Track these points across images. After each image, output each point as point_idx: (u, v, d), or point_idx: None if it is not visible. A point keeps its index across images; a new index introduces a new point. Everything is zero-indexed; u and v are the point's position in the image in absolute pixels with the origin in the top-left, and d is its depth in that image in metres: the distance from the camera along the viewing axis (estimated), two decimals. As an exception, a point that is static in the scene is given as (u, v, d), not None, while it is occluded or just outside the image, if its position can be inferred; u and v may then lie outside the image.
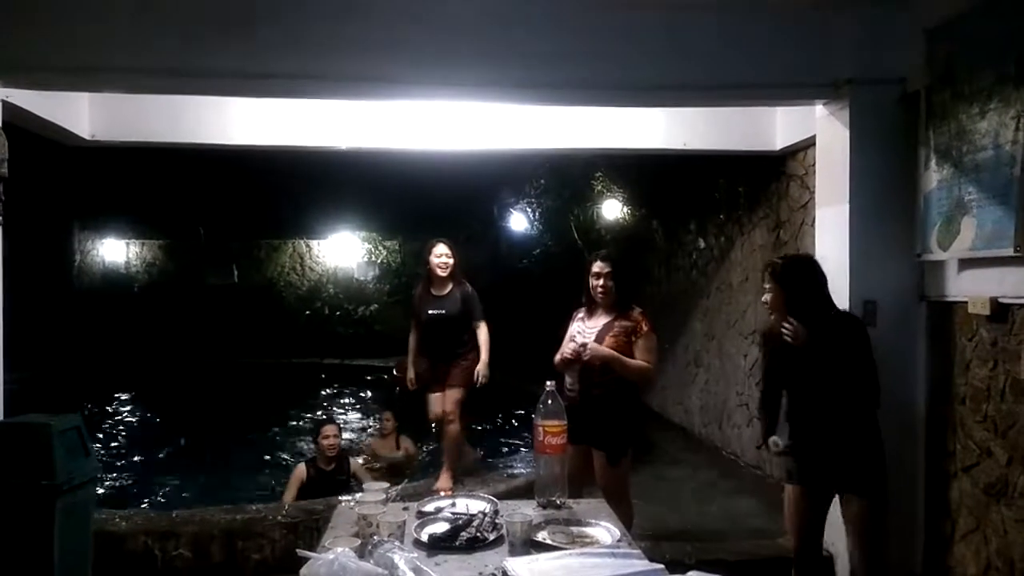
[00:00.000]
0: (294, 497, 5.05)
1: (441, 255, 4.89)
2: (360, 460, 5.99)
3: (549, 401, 2.58)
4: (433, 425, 5.07)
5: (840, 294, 3.43)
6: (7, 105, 3.80)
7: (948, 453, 3.59)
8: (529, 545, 2.13)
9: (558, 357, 3.83)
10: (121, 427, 9.32)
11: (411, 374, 5.03)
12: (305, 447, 7.11)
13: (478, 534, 2.18)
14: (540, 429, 2.56)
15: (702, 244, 7.32)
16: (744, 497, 5.54)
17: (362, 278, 14.62)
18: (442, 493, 4.14)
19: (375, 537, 2.01)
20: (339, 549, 1.81)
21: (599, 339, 3.73)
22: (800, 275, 3.13)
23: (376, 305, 14.40)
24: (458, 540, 2.17)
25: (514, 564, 1.93)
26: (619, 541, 2.19)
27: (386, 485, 2.66)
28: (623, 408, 3.74)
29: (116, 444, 8.39)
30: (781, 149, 5.12)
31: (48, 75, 3.68)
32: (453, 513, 2.41)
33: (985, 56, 3.20)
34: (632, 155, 5.90)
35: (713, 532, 4.75)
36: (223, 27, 3.59)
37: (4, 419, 3.66)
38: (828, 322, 3.06)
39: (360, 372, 11.94)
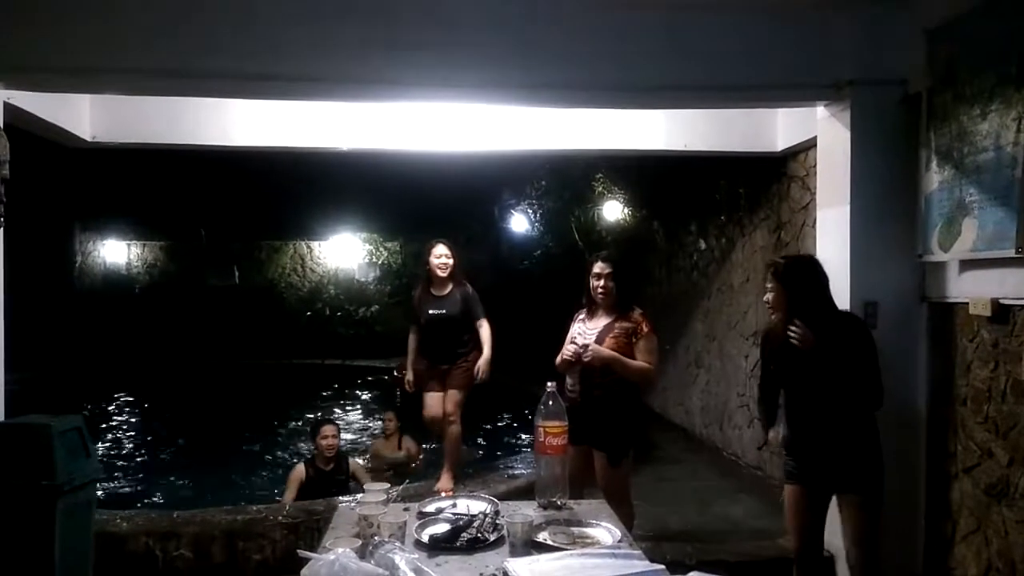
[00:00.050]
0: (294, 497, 5.06)
1: (441, 256, 4.89)
2: (359, 460, 6.01)
3: (550, 402, 2.58)
4: (428, 424, 5.04)
5: (841, 295, 3.43)
6: (8, 107, 3.80)
7: (949, 454, 3.59)
8: (530, 546, 2.12)
9: (559, 359, 3.83)
10: (122, 428, 9.33)
11: (409, 375, 5.02)
12: (305, 448, 7.11)
13: (479, 535, 2.18)
14: (541, 430, 2.56)
15: (703, 245, 7.31)
16: (745, 498, 5.54)
17: (363, 279, 14.64)
18: (443, 494, 4.13)
19: (376, 538, 2.01)
20: (340, 550, 1.81)
21: (599, 340, 3.72)
22: (802, 275, 3.13)
23: (377, 306, 14.42)
24: (459, 541, 2.16)
25: (515, 565, 1.93)
26: (620, 542, 2.19)
27: (387, 486, 2.66)
28: (624, 409, 3.74)
29: (117, 445, 8.40)
30: (782, 150, 5.11)
31: (49, 76, 3.68)
32: (454, 514, 2.41)
33: (986, 57, 3.19)
34: (633, 156, 5.90)
35: (714, 533, 4.75)
36: (223, 28, 3.59)
37: (5, 420, 3.66)
38: (831, 323, 3.06)
39: (361, 373, 11.95)
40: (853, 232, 3.77)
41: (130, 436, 8.92)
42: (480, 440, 7.64)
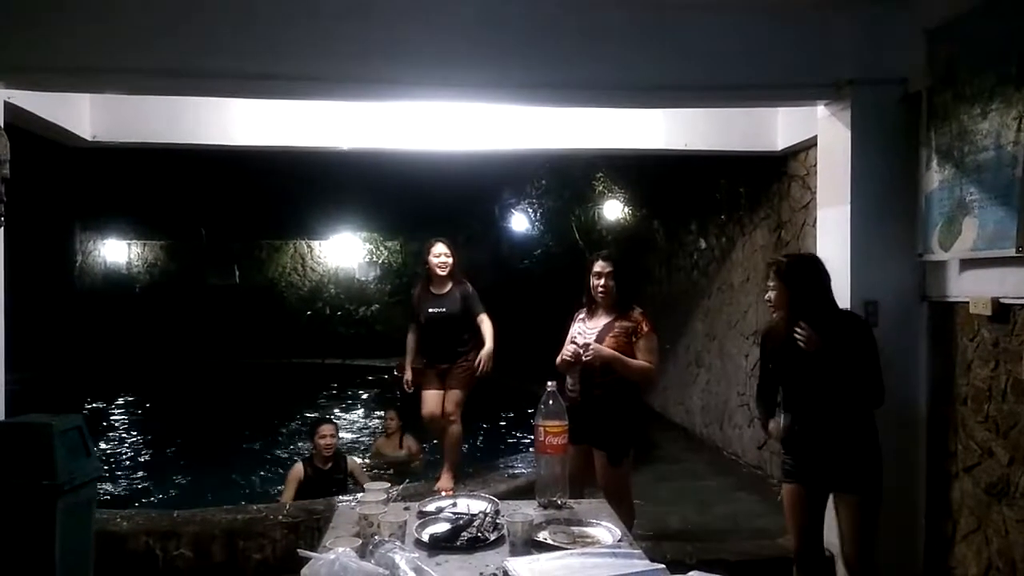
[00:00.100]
0: (292, 496, 5.06)
1: (440, 254, 4.89)
2: (358, 459, 6.02)
3: (550, 401, 2.58)
4: (426, 422, 5.03)
5: (841, 294, 3.43)
6: (9, 106, 3.80)
7: (949, 453, 3.59)
8: (530, 545, 2.13)
9: (559, 359, 3.83)
10: (123, 427, 9.33)
11: (408, 375, 5.01)
12: (305, 447, 7.11)
13: (479, 534, 2.18)
14: (541, 429, 2.56)
15: (703, 244, 7.32)
16: (745, 497, 5.54)
17: (363, 278, 14.64)
18: (443, 493, 4.13)
19: (376, 537, 2.01)
20: (340, 549, 1.81)
21: (599, 339, 3.73)
22: (805, 274, 3.12)
23: (377, 305, 14.42)
24: (459, 540, 2.17)
25: (515, 564, 1.93)
26: (620, 541, 2.19)
27: (387, 485, 2.66)
28: (624, 408, 3.74)
29: (117, 444, 8.40)
30: (782, 149, 5.11)
31: (49, 76, 3.68)
32: (454, 513, 2.41)
33: (986, 57, 3.19)
34: (633, 155, 5.90)
35: (714, 532, 4.75)
36: (223, 28, 3.59)
37: (5, 419, 3.67)
38: (832, 322, 3.06)
39: (361, 372, 11.96)
40: (853, 231, 3.77)
41: (130, 435, 8.92)
42: (479, 440, 7.64)
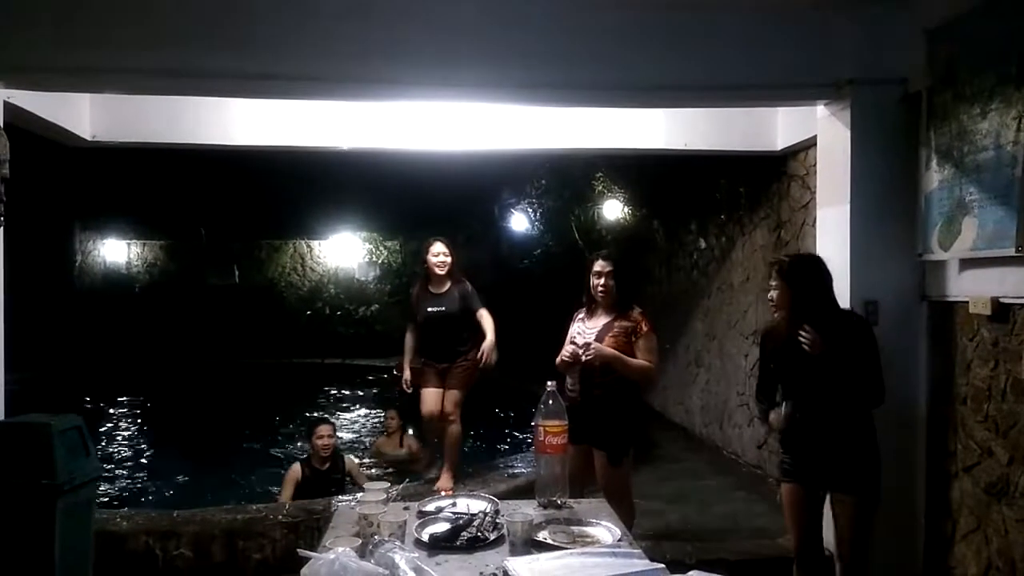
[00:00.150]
0: (290, 497, 5.05)
1: (439, 254, 4.89)
2: (356, 459, 6.02)
3: (550, 401, 2.58)
4: (425, 421, 5.02)
5: (841, 294, 3.43)
6: (8, 106, 3.80)
7: (949, 453, 3.59)
8: (530, 545, 2.13)
9: (559, 359, 3.83)
10: (122, 427, 9.33)
11: (407, 374, 5.00)
12: (304, 447, 7.12)
13: (479, 534, 2.18)
14: (541, 429, 2.56)
15: (703, 244, 7.32)
16: (745, 497, 5.54)
17: (363, 278, 14.64)
18: (443, 493, 4.14)
19: (376, 537, 2.01)
20: (340, 549, 1.81)
21: (599, 339, 3.72)
22: (807, 274, 3.12)
23: (377, 305, 14.42)
24: (459, 540, 2.17)
25: (515, 564, 1.93)
26: (620, 541, 2.19)
27: (387, 485, 2.66)
28: (624, 408, 3.74)
29: (117, 444, 8.40)
30: (782, 149, 5.11)
31: (49, 76, 3.68)
32: (454, 513, 2.41)
33: (986, 57, 3.20)
34: (633, 155, 5.90)
35: (714, 532, 4.75)
36: (223, 28, 3.59)
37: (5, 419, 3.67)
38: (834, 321, 3.06)
39: (361, 372, 11.96)
40: (853, 231, 3.77)
41: (130, 435, 8.92)
42: (479, 440, 7.64)
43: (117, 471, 7.18)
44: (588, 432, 3.65)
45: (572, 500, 2.65)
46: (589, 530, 2.30)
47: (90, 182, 11.14)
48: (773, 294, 3.15)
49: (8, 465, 3.16)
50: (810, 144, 4.67)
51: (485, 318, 4.88)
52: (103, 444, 8.01)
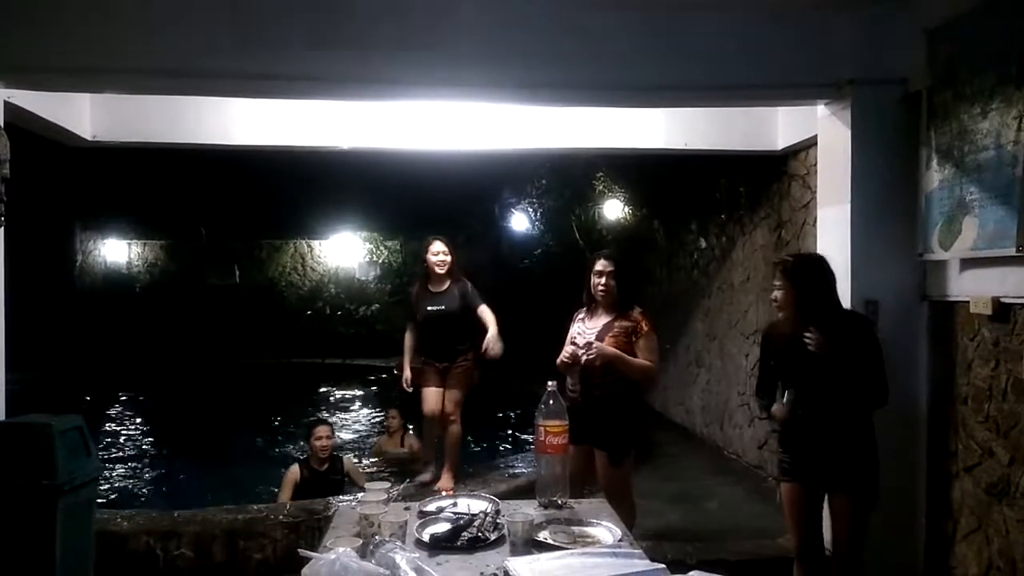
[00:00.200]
0: (289, 498, 5.04)
1: (438, 252, 4.89)
2: (355, 460, 6.03)
3: (551, 401, 2.58)
4: (426, 421, 5.01)
5: (842, 294, 3.42)
6: (9, 106, 3.80)
7: (950, 453, 3.59)
8: (530, 545, 2.12)
9: (559, 360, 3.82)
10: (123, 427, 9.34)
11: (407, 373, 5.00)
12: (304, 446, 7.13)
13: (479, 534, 2.18)
14: (541, 429, 2.56)
15: (703, 244, 7.32)
16: (745, 497, 5.54)
17: (363, 278, 14.65)
18: (443, 493, 4.13)
19: (377, 537, 2.01)
20: (341, 549, 1.81)
21: (599, 339, 3.72)
22: (812, 274, 3.12)
23: (377, 305, 14.42)
24: (459, 540, 2.17)
25: (515, 564, 1.93)
26: (620, 541, 2.19)
27: (387, 485, 2.66)
28: (625, 408, 3.74)
29: (118, 444, 8.40)
30: (783, 149, 5.11)
31: (49, 76, 3.68)
32: (454, 513, 2.41)
33: (986, 57, 3.19)
34: (633, 155, 5.90)
35: (714, 532, 4.75)
36: (223, 28, 3.59)
37: (5, 419, 3.67)
38: (837, 322, 3.06)
39: (361, 372, 11.96)
40: (854, 231, 3.77)
41: (131, 435, 8.93)
42: (479, 440, 7.64)
43: (118, 471, 7.18)
44: (589, 432, 3.65)
45: (573, 500, 2.65)
46: (590, 530, 2.30)
47: (90, 182, 11.15)
48: (777, 294, 3.15)
49: (9, 465, 3.16)
50: (811, 144, 4.67)
51: (486, 313, 4.88)
52: (104, 444, 8.01)
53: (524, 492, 4.32)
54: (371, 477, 5.79)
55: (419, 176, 8.87)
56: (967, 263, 3.44)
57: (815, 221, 4.35)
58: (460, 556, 2.09)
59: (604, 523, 2.34)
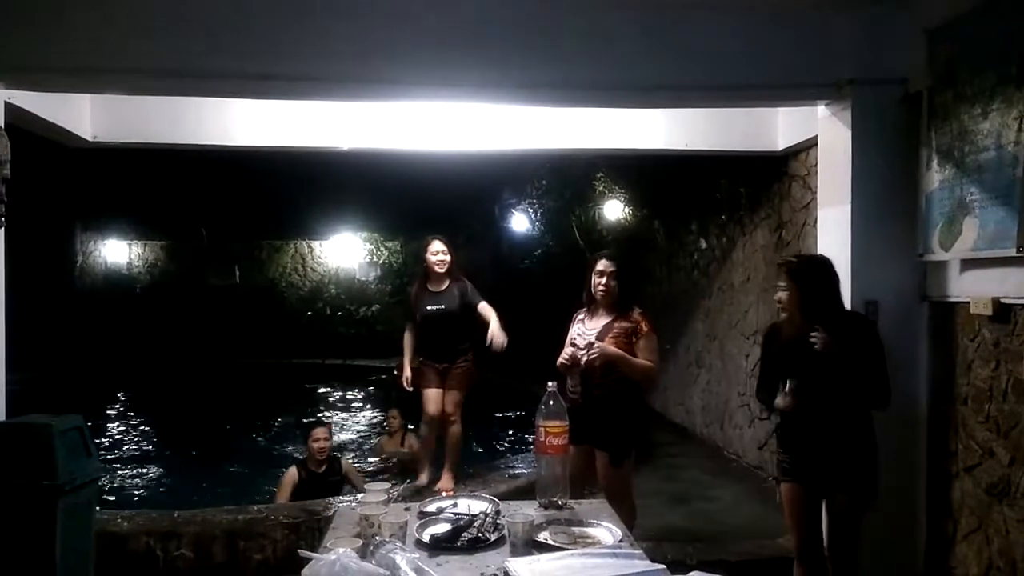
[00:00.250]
0: (287, 499, 5.04)
1: (438, 252, 4.88)
2: (353, 460, 6.03)
3: (551, 402, 2.58)
4: (428, 421, 5.00)
5: (842, 294, 3.43)
6: (9, 107, 3.80)
7: (950, 453, 3.59)
8: (531, 545, 2.12)
9: (559, 361, 3.82)
10: (123, 427, 9.34)
11: (407, 372, 4.99)
12: (303, 447, 7.13)
13: (480, 534, 2.18)
14: (542, 430, 2.56)
15: (704, 244, 7.32)
16: (745, 497, 5.54)
17: (364, 278, 14.65)
18: (444, 493, 4.13)
19: (377, 538, 2.01)
20: (341, 550, 1.81)
21: (599, 340, 3.72)
22: (816, 275, 3.12)
23: (378, 305, 14.42)
24: (460, 540, 2.17)
25: (515, 564, 1.93)
26: (621, 541, 2.19)
27: (387, 485, 2.66)
28: (626, 409, 3.74)
29: (118, 444, 8.41)
30: (783, 149, 5.11)
31: (49, 76, 3.68)
32: (455, 514, 2.41)
33: (987, 57, 3.19)
34: (633, 155, 5.90)
35: (714, 532, 4.75)
36: (223, 28, 3.59)
37: (6, 420, 3.66)
38: (840, 323, 3.06)
39: (362, 372, 11.96)
40: (854, 231, 3.77)
41: (131, 435, 8.93)
42: (479, 440, 7.64)
43: (118, 471, 7.18)
44: (589, 433, 3.65)
45: (573, 501, 2.65)
46: (590, 531, 2.30)
47: (91, 183, 11.15)
48: (782, 295, 3.16)
49: (9, 466, 3.16)
50: (811, 144, 4.67)
51: (487, 309, 4.87)
52: (104, 444, 8.01)
53: (524, 492, 4.33)
54: (372, 477, 5.79)
55: (419, 176, 8.86)
56: (967, 264, 3.44)
57: (815, 221, 4.35)
58: (460, 557, 2.09)
59: (604, 524, 2.34)
